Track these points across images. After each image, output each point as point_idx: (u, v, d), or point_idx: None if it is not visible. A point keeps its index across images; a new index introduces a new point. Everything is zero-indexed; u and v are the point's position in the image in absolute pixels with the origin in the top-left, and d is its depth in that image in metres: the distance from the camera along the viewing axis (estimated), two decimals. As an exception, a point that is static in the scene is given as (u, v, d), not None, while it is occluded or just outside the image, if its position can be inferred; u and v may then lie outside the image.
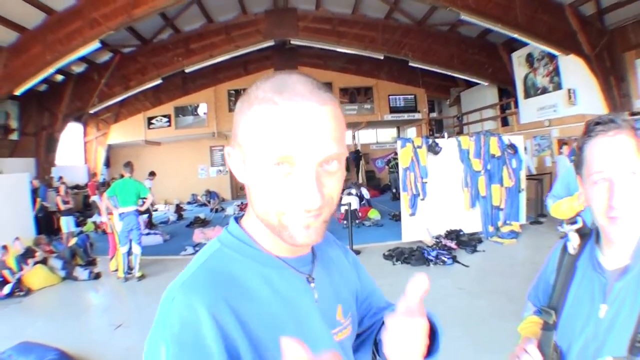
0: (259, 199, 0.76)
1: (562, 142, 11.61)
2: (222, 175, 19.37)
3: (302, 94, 0.71)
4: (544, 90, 12.87)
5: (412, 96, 18.70)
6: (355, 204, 10.95)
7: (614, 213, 1.01)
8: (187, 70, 13.96)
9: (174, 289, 0.74)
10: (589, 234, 1.19)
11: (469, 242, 7.90)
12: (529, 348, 1.15)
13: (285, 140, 0.70)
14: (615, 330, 1.04)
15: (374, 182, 18.63)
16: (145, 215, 11.07)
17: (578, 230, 1.23)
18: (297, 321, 0.84)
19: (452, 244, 7.74)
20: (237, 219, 0.89)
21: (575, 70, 11.51)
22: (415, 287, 0.72)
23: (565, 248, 1.25)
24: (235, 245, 0.84)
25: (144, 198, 7.32)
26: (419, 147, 8.32)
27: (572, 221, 1.12)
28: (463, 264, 6.90)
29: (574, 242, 1.22)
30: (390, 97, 18.53)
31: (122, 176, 7.58)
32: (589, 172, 1.05)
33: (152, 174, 13.95)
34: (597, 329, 1.08)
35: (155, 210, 15.53)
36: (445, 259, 7.01)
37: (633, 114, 11.51)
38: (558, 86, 12.22)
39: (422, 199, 8.37)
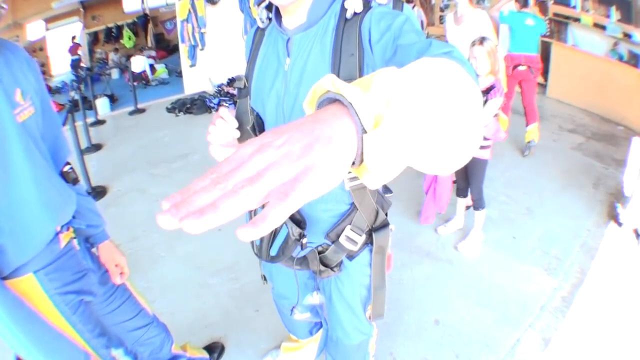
0: None
1: None
2: None
3: None
4: None
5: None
6: (140, 65, 10.39)
7: None
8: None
9: None
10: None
11: (251, 86, 8.03)
12: (222, 112, 1.17)
13: None
14: (306, 81, 1.11)
15: (163, 44, 17.65)
16: None
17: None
18: None
19: (234, 91, 7.70)
20: None
21: None
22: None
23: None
24: None
25: None
26: None
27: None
28: (244, 106, 7.09)
29: (262, 15, 1.25)
30: (180, -46, 16.99)
31: None
32: None
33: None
34: (286, 83, 1.14)
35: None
36: (227, 105, 7.06)
37: None
38: None
39: (202, 49, 8.15)
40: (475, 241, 3.26)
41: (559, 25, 8.93)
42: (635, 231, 3.38)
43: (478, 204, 3.19)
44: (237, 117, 1.22)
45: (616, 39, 7.81)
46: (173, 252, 3.35)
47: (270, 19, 1.25)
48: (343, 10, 1.10)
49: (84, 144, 5.30)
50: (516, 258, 3.18)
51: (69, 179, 1.38)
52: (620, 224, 3.50)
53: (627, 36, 7.61)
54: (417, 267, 3.12)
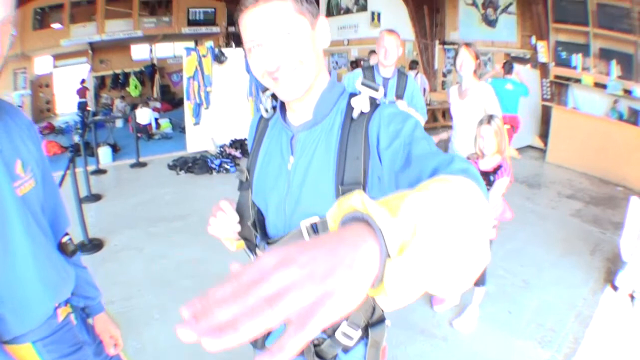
0: None
1: (361, 60, 11.98)
2: (24, 97, 16.52)
3: None
4: (347, 11, 13.23)
5: (212, 9, 18.05)
6: (146, 118, 10.55)
7: (273, 75, 1.04)
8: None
9: None
10: None
11: (253, 151, 8.06)
12: (223, 204, 1.16)
13: None
14: (309, 183, 1.08)
15: (169, 96, 17.98)
16: None
17: None
18: None
19: (237, 153, 7.85)
20: None
21: (383, -5, 11.78)
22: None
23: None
24: None
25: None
26: (204, 55, 8.10)
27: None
28: (247, 171, 7.12)
29: (266, 105, 1.25)
30: (190, 9, 17.62)
31: None
32: (245, 42, 1.06)
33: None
34: (289, 183, 1.12)
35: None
36: (229, 167, 7.14)
37: (444, 42, 12.25)
38: (363, 8, 12.54)
39: (206, 108, 8.29)
40: (471, 318, 3.23)
41: (560, 88, 9.05)
42: (631, 295, 3.40)
43: (479, 281, 3.17)
44: (238, 210, 1.21)
45: (616, 97, 7.93)
46: (167, 316, 3.31)
47: (274, 108, 1.24)
48: (349, 108, 1.10)
49: (83, 192, 5.31)
50: (511, 333, 3.16)
51: (67, 250, 1.32)
52: (616, 288, 3.53)
53: (628, 92, 7.71)
54: (411, 344, 3.07)
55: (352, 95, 1.12)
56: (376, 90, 1.07)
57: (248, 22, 1.03)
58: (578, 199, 5.99)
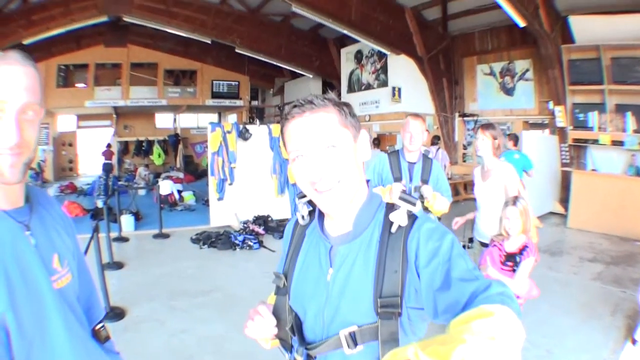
0: None
1: (383, 137, 12.46)
2: (46, 153, 16.91)
3: None
4: (368, 86, 13.43)
5: (236, 83, 18.75)
6: (167, 189, 10.82)
7: (316, 187, 1.07)
8: (25, 43, 12.23)
9: None
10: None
11: (277, 227, 8.04)
12: (261, 309, 1.18)
13: None
14: (348, 294, 1.09)
15: (192, 167, 18.34)
16: None
17: None
18: (19, 263, 1.01)
19: (260, 229, 7.92)
20: None
21: (404, 69, 12.04)
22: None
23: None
24: None
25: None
26: (229, 132, 8.38)
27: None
28: (270, 249, 7.11)
29: (302, 212, 1.26)
30: (214, 82, 18.39)
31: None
32: (288, 151, 1.10)
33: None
34: (328, 293, 1.12)
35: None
36: (252, 244, 7.15)
37: (464, 115, 12.53)
38: (384, 83, 12.71)
39: (230, 184, 8.46)
40: None
41: (579, 150, 9.34)
42: None
43: None
44: (275, 314, 1.21)
45: (633, 152, 8.28)
46: (189, 393, 3.28)
47: (310, 213, 1.26)
48: (386, 221, 1.11)
49: (105, 259, 5.34)
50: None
51: (100, 337, 1.31)
52: (635, 342, 3.55)
53: (643, 146, 7.91)
54: None
55: (388, 206, 1.15)
56: (413, 204, 1.10)
57: (293, 131, 1.07)
58: (599, 261, 6.06)
